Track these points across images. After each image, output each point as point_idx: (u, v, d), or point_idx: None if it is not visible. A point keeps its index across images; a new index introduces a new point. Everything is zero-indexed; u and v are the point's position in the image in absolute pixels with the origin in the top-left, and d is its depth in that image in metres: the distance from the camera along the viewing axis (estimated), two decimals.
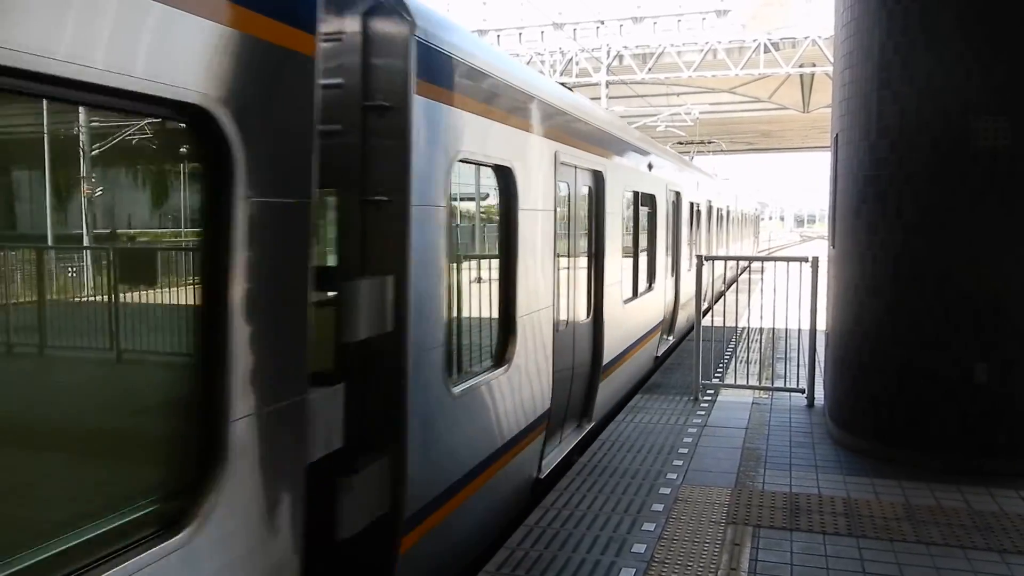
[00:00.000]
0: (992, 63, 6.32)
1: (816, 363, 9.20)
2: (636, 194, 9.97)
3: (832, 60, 27.86)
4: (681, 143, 28.44)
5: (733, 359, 11.71)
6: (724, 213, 22.21)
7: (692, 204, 14.96)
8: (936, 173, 6.51)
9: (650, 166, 10.62)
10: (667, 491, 6.16)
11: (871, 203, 6.92)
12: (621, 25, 36.95)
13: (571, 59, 31.58)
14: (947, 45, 6.44)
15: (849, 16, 7.26)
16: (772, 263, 9.90)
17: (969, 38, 6.38)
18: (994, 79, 6.31)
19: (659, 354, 11.86)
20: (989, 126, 6.28)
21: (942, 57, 6.46)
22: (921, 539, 5.27)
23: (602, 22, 31.44)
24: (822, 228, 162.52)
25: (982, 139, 6.30)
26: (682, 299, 13.47)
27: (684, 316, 13.79)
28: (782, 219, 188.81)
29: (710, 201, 18.27)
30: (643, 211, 10.48)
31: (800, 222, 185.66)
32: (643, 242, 10.55)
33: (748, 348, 12.54)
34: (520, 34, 38.00)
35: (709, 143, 28.43)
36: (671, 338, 12.94)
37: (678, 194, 13.11)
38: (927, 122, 6.55)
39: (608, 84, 30.25)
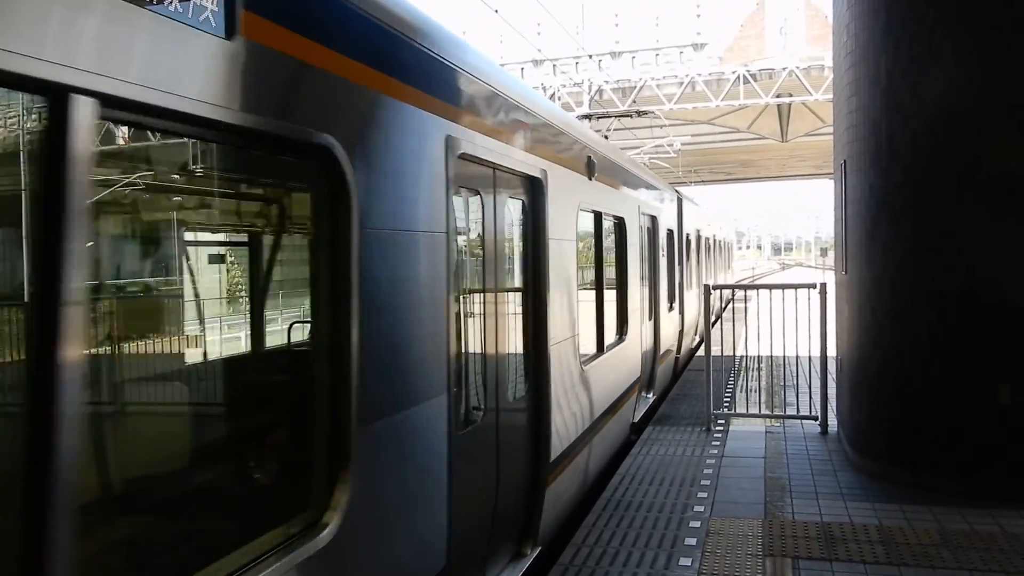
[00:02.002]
0: (1005, 83, 6.38)
1: (827, 389, 9.16)
2: (669, 231, 12.89)
3: (811, 90, 28.04)
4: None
5: (738, 388, 11.65)
6: (716, 243, 24.17)
7: (706, 239, 18.72)
8: (953, 194, 6.54)
9: (673, 205, 13.43)
10: (697, 524, 6.06)
11: (886, 227, 6.94)
12: (600, 60, 37.28)
13: (553, 94, 31.83)
14: (957, 68, 6.51)
15: (853, 44, 7.33)
16: (780, 291, 9.89)
17: (980, 60, 6.45)
18: (1008, 99, 6.36)
19: (679, 355, 14.69)
20: (1004, 145, 6.33)
21: (953, 80, 6.53)
22: (963, 566, 5.19)
23: (589, 56, 31.71)
24: (799, 256, 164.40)
25: (998, 159, 6.34)
26: (696, 312, 16.73)
27: (692, 328, 16.71)
28: (759, 247, 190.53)
29: (714, 235, 22.59)
30: (674, 245, 13.60)
31: (777, 250, 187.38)
32: (675, 269, 13.72)
33: (757, 376, 12.48)
34: None
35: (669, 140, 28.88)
36: (697, 338, 16.41)
37: (699, 231, 16.76)
38: (941, 145, 6.59)
39: (591, 118, 30.47)
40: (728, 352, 13.59)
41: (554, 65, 38.47)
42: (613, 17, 44.26)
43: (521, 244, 5.40)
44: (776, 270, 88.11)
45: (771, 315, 9.69)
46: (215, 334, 3.22)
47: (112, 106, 1.98)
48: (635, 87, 32.00)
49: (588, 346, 7.12)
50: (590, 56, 32.21)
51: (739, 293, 28.95)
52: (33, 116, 1.92)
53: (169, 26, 2.14)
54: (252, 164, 2.97)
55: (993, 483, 6.46)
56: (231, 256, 3.39)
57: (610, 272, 8.48)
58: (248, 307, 3.35)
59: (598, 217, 7.73)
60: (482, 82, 4.45)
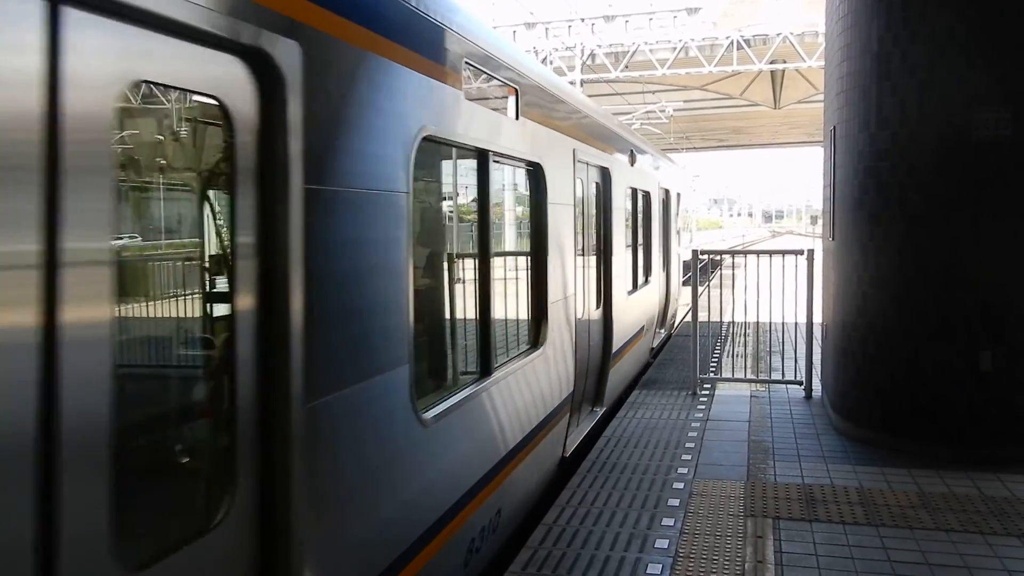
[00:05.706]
0: (994, 53, 6.37)
1: (812, 355, 9.25)
2: (634, 190, 10.67)
3: (804, 56, 27.91)
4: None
5: (724, 353, 11.75)
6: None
7: (678, 195, 16.25)
8: (939, 164, 6.56)
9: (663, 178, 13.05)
10: (680, 486, 6.14)
11: (873, 194, 6.96)
12: (593, 24, 36.92)
13: (545, 58, 31.57)
14: (948, 36, 6.49)
15: (846, 9, 7.29)
16: (767, 257, 9.93)
17: (970, 29, 6.43)
18: (996, 69, 6.36)
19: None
20: (991, 116, 6.33)
21: (943, 48, 6.51)
22: (940, 526, 5.30)
23: (582, 19, 31.42)
24: (790, 223, 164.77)
25: (984, 129, 6.35)
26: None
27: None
28: (750, 215, 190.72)
29: (680, 193, 17.08)
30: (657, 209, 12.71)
31: (768, 218, 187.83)
32: (658, 232, 12.98)
33: (743, 342, 12.58)
34: None
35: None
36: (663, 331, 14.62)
37: (667, 191, 14.21)
38: (929, 113, 6.59)
39: (583, 83, 30.28)
40: (716, 319, 13.71)
41: (546, 28, 38.05)
42: None
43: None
44: (766, 238, 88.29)
45: (758, 281, 9.74)
46: None
47: None
48: (628, 52, 31.76)
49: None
50: (583, 19, 31.90)
51: (727, 259, 29.12)
52: None
53: None
54: None
55: (974, 448, 6.56)
56: None
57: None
58: None
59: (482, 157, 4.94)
60: None
